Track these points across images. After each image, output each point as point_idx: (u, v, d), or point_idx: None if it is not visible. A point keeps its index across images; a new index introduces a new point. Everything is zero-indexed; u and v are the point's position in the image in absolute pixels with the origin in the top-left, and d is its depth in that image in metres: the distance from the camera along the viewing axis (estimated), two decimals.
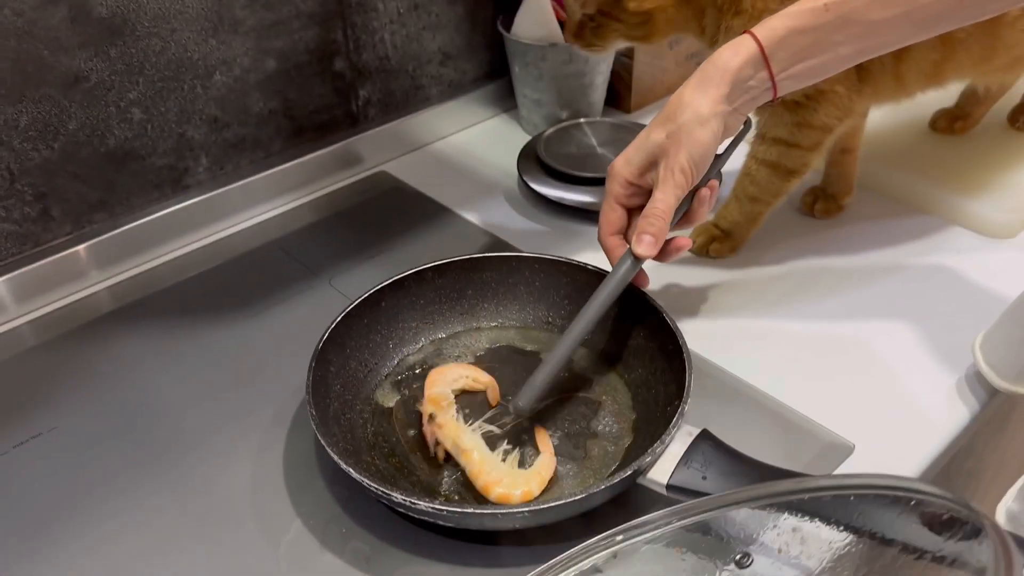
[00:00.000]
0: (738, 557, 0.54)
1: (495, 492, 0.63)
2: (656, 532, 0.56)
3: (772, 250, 0.90)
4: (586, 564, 0.55)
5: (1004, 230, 0.91)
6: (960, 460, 0.84)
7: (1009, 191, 0.94)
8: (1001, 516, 0.65)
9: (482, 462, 0.64)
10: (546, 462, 0.65)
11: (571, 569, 0.55)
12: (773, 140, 0.82)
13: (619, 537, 0.56)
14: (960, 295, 0.83)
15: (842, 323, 0.81)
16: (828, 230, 0.93)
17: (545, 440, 0.68)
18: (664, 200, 0.67)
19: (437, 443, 0.67)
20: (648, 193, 0.69)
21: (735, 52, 0.65)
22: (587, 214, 0.94)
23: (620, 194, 0.70)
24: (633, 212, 0.71)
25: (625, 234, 0.72)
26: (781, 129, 0.81)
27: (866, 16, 0.62)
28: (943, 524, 0.46)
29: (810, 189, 0.95)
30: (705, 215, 0.72)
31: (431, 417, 0.67)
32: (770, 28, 0.65)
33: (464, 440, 0.65)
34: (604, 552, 0.55)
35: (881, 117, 1.00)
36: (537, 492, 0.63)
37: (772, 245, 0.91)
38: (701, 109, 0.65)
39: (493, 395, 0.72)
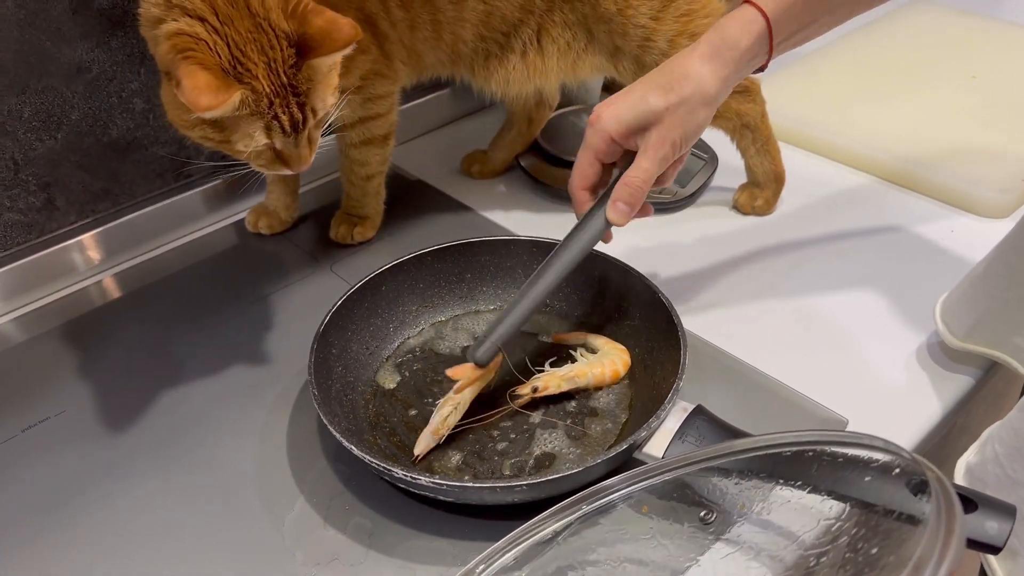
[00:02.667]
0: (702, 514, 0.56)
1: (611, 371, 0.72)
2: (618, 494, 0.58)
3: (765, 232, 0.91)
4: (549, 530, 0.57)
5: (997, 210, 0.92)
6: (955, 437, 0.85)
7: (1002, 172, 0.95)
8: (960, 469, 0.66)
9: (587, 365, 0.72)
10: (608, 348, 0.74)
11: (536, 535, 0.57)
12: (359, 120, 0.85)
13: (585, 502, 0.58)
14: (957, 272, 0.84)
15: (833, 300, 0.82)
16: (818, 211, 0.94)
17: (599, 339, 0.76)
18: (647, 171, 0.64)
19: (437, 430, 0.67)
20: (625, 152, 0.67)
21: (744, 29, 0.62)
22: None
23: (600, 149, 0.66)
24: (606, 167, 0.68)
25: (595, 187, 0.69)
26: (359, 110, 0.84)
27: None
28: (893, 477, 0.48)
29: None
30: (671, 181, 0.70)
31: (534, 389, 0.70)
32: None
33: (567, 372, 0.71)
34: (571, 516, 0.58)
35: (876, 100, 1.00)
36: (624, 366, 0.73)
37: (764, 227, 0.92)
38: (708, 88, 0.63)
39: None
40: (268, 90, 0.65)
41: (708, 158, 0.99)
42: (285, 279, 0.88)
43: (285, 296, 0.86)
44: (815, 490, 0.53)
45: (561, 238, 0.79)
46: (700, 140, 1.01)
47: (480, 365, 0.67)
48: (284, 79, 0.65)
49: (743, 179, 0.95)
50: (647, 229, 0.93)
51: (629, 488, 0.59)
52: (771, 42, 0.63)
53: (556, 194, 0.98)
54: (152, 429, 0.72)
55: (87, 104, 0.85)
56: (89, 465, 0.69)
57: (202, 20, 0.63)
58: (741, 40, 0.63)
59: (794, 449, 0.55)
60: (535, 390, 0.70)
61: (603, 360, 0.73)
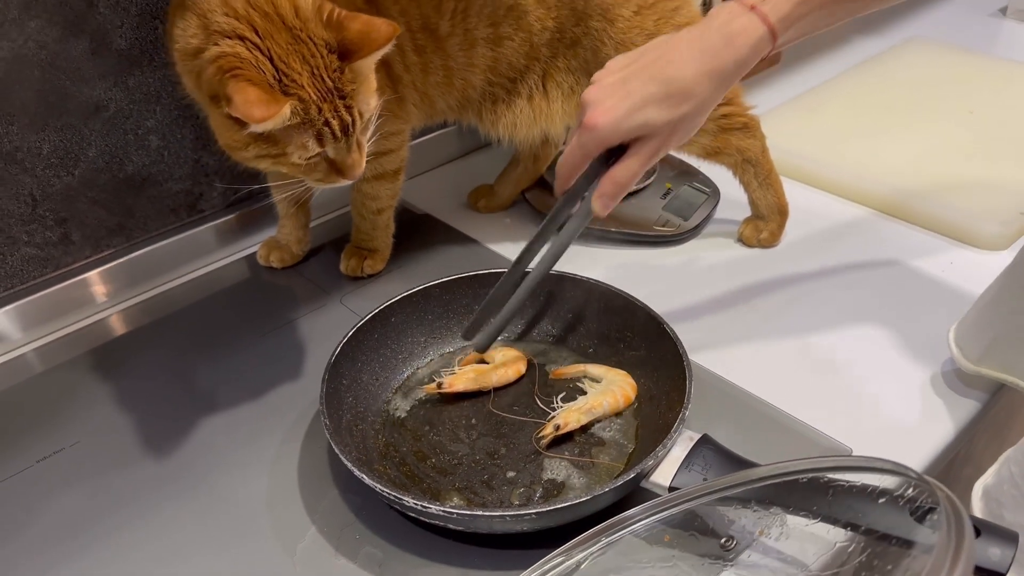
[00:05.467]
0: (723, 540, 0.57)
1: (623, 396, 0.74)
2: (639, 525, 0.59)
3: (767, 264, 0.93)
4: (572, 561, 0.58)
5: (996, 242, 0.93)
6: (959, 466, 0.86)
7: (1000, 205, 0.96)
8: (978, 491, 0.67)
9: (600, 395, 0.73)
10: (611, 375, 0.76)
11: (560, 566, 0.58)
12: (372, 156, 0.84)
13: (606, 533, 0.59)
14: (958, 303, 0.85)
15: (836, 332, 0.83)
16: (819, 244, 0.96)
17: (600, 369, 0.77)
18: (635, 172, 0.66)
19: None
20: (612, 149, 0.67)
21: (748, 39, 0.62)
22: (589, 231, 0.97)
23: (593, 152, 0.66)
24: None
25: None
26: (372, 146, 0.83)
27: None
28: (904, 498, 0.48)
29: None
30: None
31: (557, 428, 0.70)
32: (775, 5, 0.61)
33: (583, 405, 0.72)
34: (593, 546, 0.59)
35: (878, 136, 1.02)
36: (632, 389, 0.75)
37: (766, 260, 0.93)
38: (708, 102, 0.63)
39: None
40: (315, 97, 0.67)
41: (710, 192, 1.01)
42: (296, 311, 0.89)
43: (296, 328, 0.87)
44: (830, 516, 0.54)
45: (565, 271, 0.81)
46: (702, 175, 1.03)
47: (480, 351, 0.75)
48: (329, 83, 0.67)
49: (745, 212, 0.97)
50: (652, 260, 0.95)
51: (651, 518, 0.59)
52: (774, 45, 0.63)
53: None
54: (164, 459, 0.73)
55: (104, 141, 0.87)
56: (103, 495, 0.70)
57: (242, 39, 0.65)
58: (748, 56, 0.62)
59: (809, 476, 0.56)
60: (557, 428, 0.70)
61: (611, 388, 0.74)
